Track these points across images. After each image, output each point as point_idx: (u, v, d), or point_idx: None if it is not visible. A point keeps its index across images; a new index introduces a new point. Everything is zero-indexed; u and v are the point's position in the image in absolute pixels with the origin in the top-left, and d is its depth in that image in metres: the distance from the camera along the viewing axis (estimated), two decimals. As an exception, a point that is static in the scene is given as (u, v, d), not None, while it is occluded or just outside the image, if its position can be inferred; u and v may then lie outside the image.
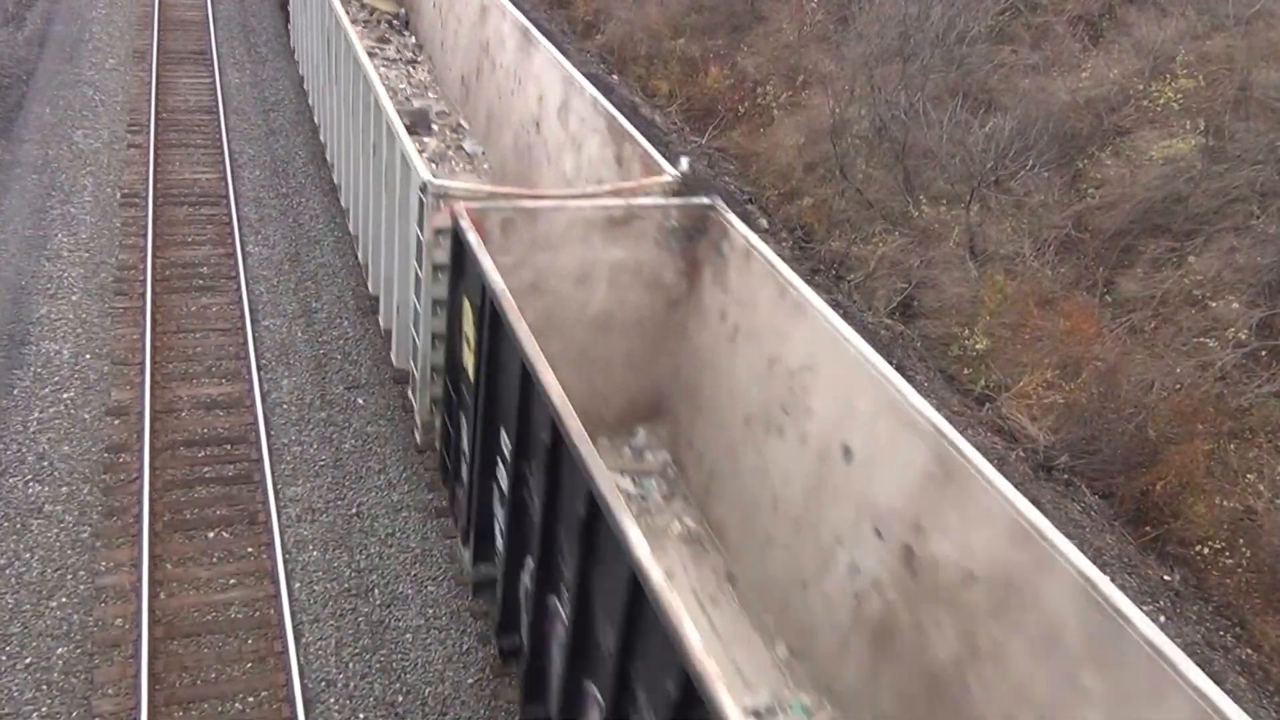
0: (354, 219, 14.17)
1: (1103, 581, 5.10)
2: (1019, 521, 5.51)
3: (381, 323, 12.48)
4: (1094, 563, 5.09)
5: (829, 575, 7.14)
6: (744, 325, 8.45)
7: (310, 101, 18.74)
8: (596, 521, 5.60)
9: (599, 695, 5.88)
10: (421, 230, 9.19)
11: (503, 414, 7.48)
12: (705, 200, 8.95)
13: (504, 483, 7.63)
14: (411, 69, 17.46)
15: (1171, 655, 4.73)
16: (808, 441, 7.48)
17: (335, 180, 15.86)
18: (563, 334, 8.77)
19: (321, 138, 17.32)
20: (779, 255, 7.38)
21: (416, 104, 15.59)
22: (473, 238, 7.88)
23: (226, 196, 16.31)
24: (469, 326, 8.28)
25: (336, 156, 15.51)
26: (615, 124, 10.22)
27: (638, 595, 5.08)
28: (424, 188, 8.92)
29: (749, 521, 8.24)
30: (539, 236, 8.60)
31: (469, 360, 8.35)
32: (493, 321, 7.46)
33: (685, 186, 9.08)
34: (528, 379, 6.77)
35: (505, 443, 7.45)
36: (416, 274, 9.58)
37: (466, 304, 8.27)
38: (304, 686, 8.58)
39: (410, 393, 10.76)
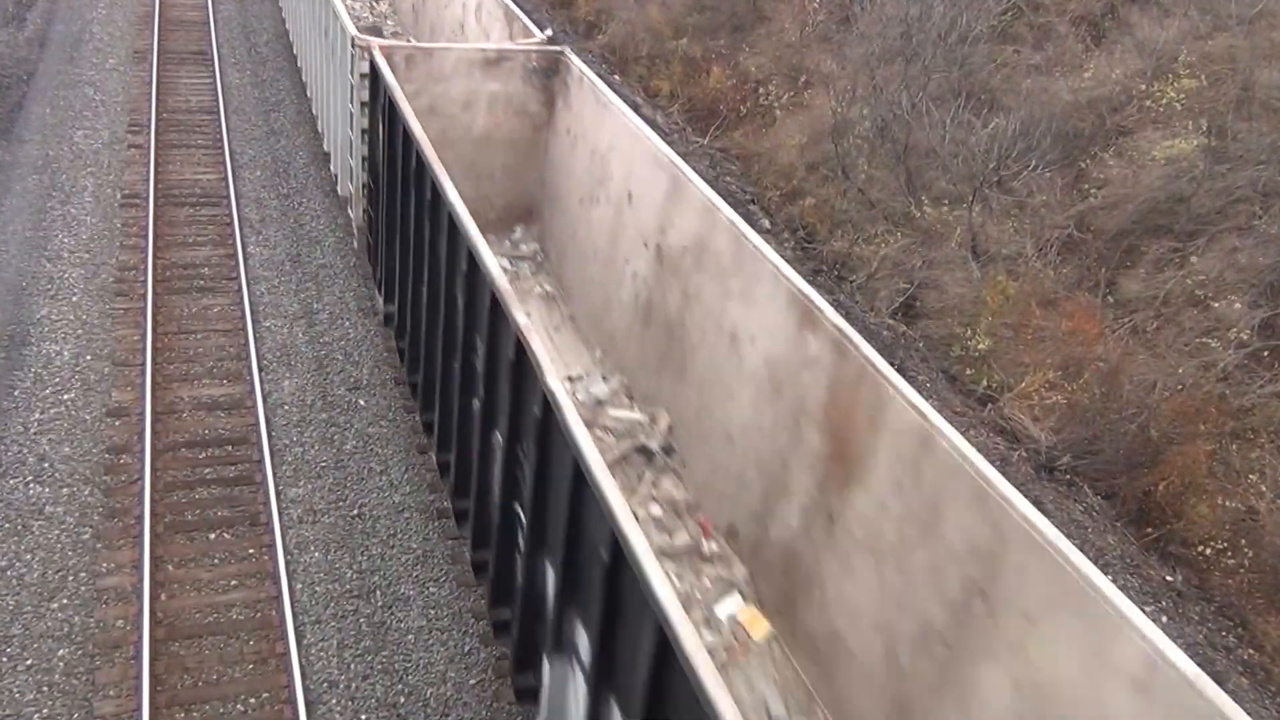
0: (314, 101, 18.17)
1: (738, 220, 8.29)
2: (706, 204, 8.71)
3: (332, 169, 16.30)
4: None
5: (621, 288, 10.39)
6: (578, 132, 11.62)
7: (287, 25, 22.78)
8: (476, 274, 7.89)
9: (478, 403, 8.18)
10: (352, 75, 12.73)
11: (401, 188, 10.55)
12: (557, 49, 12.06)
13: (400, 235, 10.83)
14: (375, 2, 20.26)
15: (769, 255, 7.81)
16: (611, 200, 10.66)
17: (303, 79, 19.82)
18: (454, 148, 11.46)
19: (295, 50, 21.26)
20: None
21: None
22: (383, 63, 11.01)
23: (227, 197, 16.31)
24: (381, 133, 11.46)
25: (304, 58, 19.57)
26: (509, 10, 13.60)
27: (497, 310, 7.32)
28: (353, 41, 12.50)
29: (580, 273, 11.53)
30: (433, 71, 11.82)
31: (381, 159, 11.61)
32: (390, 117, 10.68)
33: (549, 43, 12.33)
34: (407, 140, 9.82)
35: (400, 208, 10.63)
36: (350, 112, 13.21)
37: (380, 117, 11.43)
38: (306, 688, 8.57)
39: (349, 209, 14.51)
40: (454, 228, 8.34)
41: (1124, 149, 14.83)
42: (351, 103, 13.05)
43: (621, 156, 10.40)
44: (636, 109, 20.27)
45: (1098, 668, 5.09)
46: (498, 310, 7.29)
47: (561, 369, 9.65)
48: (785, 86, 19.88)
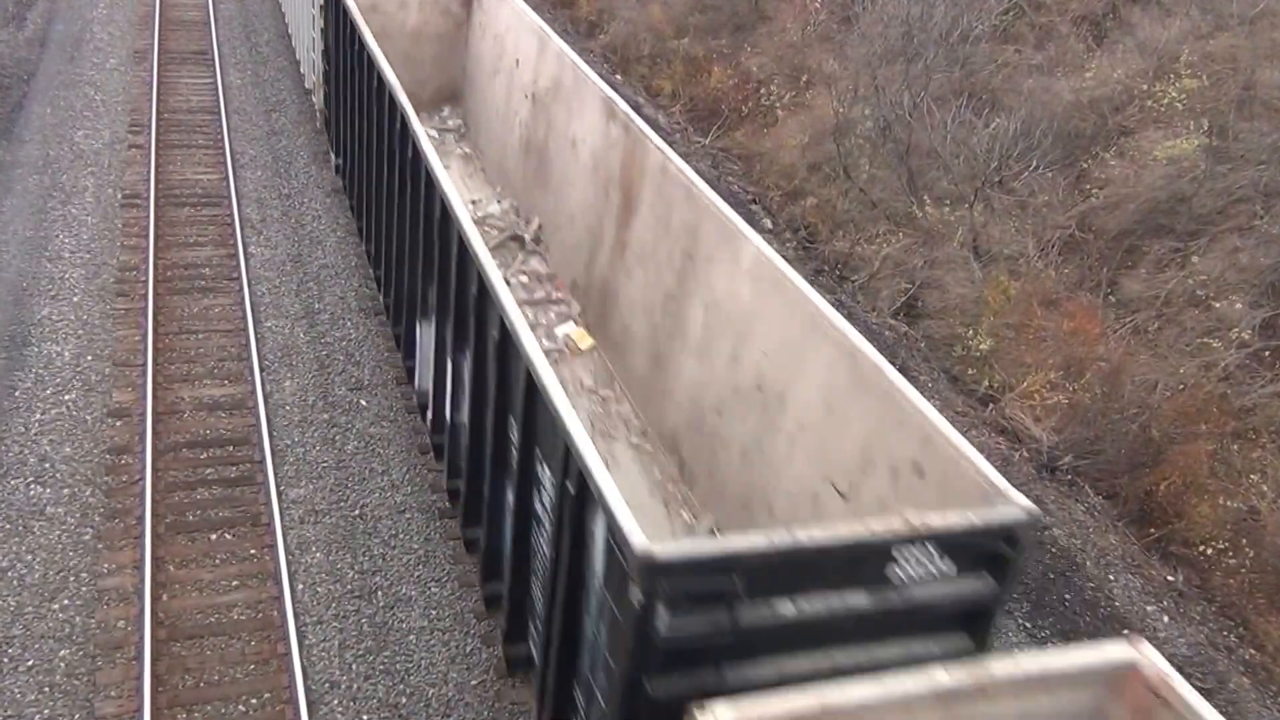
0: (289, 21, 21.77)
1: (578, 59, 11.98)
2: (559, 53, 12.27)
3: (303, 70, 19.78)
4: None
5: (512, 134, 14.07)
6: (486, 24, 15.25)
7: None
8: (407, 133, 10.32)
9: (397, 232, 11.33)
10: None
11: (350, 72, 13.67)
12: None
13: (349, 108, 14.07)
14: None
15: (592, 76, 11.42)
16: (506, 71, 14.26)
17: (286, 21, 22.83)
18: (392, 41, 14.16)
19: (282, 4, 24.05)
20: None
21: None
22: None
23: (228, 197, 16.30)
24: (334, 28, 14.47)
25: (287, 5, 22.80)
26: None
27: (430, 186, 9.44)
28: None
29: (488, 134, 15.30)
30: None
31: (334, 49, 14.80)
32: (341, 15, 13.77)
33: None
34: (354, 33, 12.87)
35: (349, 87, 13.86)
36: (312, 15, 16.42)
37: (333, 15, 14.47)
38: (307, 688, 8.56)
39: (313, 97, 18.39)
40: (393, 106, 10.77)
41: (1125, 149, 14.82)
42: (313, 7, 16.27)
43: (511, 34, 14.03)
44: (638, 109, 20.26)
45: (736, 274, 8.39)
46: (415, 149, 9.91)
47: (466, 196, 13.68)
48: (787, 86, 19.87)
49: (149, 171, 16.58)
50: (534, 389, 6.68)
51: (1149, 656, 4.87)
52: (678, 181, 9.43)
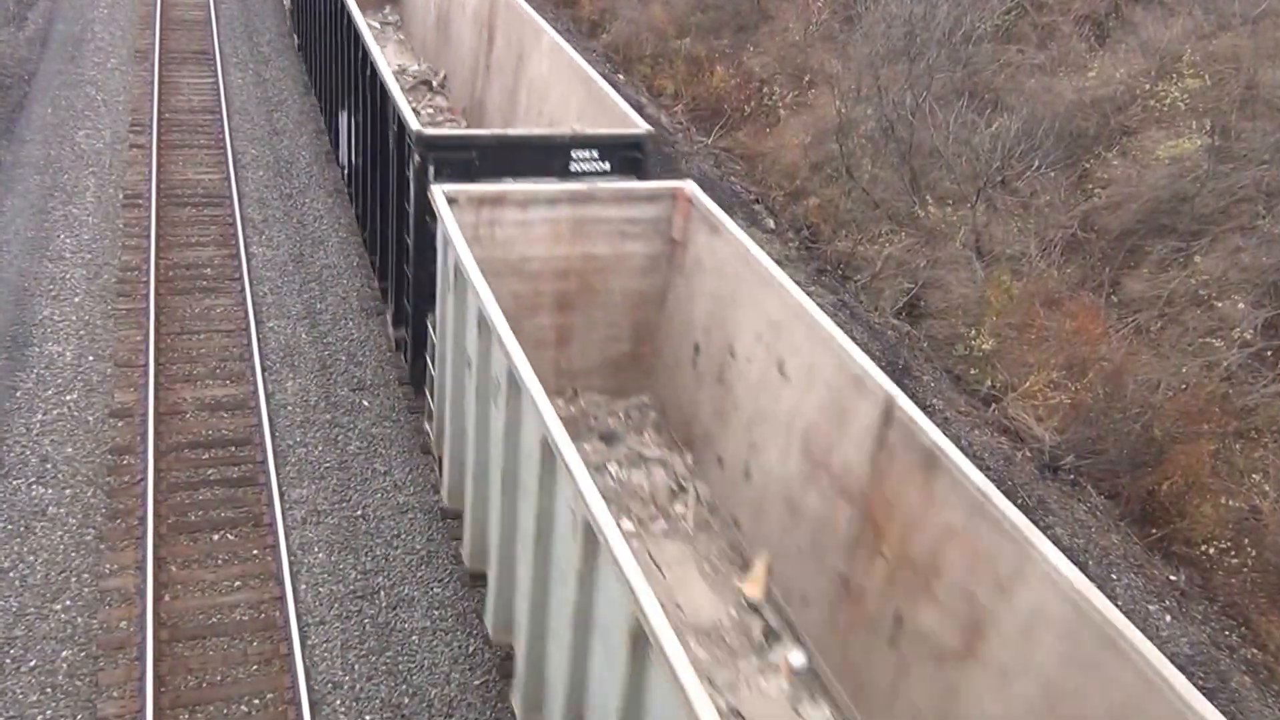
0: None
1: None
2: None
3: (284, 1, 24.18)
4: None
5: (430, 14, 18.11)
6: None
7: None
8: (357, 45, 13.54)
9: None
10: None
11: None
12: None
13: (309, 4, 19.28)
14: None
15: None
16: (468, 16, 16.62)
17: None
18: None
19: None
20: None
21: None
22: None
23: (230, 197, 16.30)
24: None
25: None
26: None
27: (357, 38, 13.35)
28: None
29: (416, 19, 19.23)
30: None
31: None
32: None
33: None
34: None
35: (311, 19, 18.93)
36: None
37: None
38: (310, 689, 8.57)
39: (291, 31, 22.70)
40: (343, 5, 14.30)
41: (1128, 148, 14.80)
42: None
43: None
44: (640, 108, 20.23)
45: (540, 58, 12.68)
46: (353, 25, 13.57)
47: (395, 65, 16.62)
48: (789, 86, 19.85)
49: (150, 171, 16.58)
50: (386, 94, 10.94)
51: (689, 186, 8.94)
52: (514, 8, 13.76)
